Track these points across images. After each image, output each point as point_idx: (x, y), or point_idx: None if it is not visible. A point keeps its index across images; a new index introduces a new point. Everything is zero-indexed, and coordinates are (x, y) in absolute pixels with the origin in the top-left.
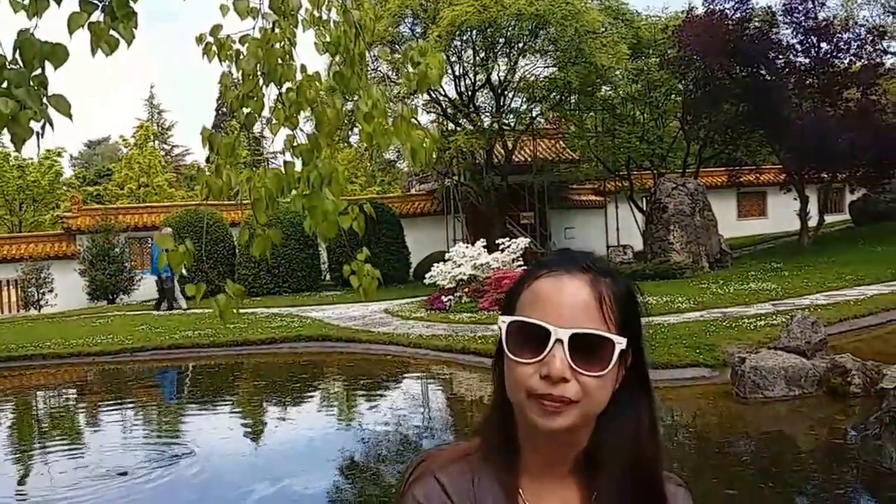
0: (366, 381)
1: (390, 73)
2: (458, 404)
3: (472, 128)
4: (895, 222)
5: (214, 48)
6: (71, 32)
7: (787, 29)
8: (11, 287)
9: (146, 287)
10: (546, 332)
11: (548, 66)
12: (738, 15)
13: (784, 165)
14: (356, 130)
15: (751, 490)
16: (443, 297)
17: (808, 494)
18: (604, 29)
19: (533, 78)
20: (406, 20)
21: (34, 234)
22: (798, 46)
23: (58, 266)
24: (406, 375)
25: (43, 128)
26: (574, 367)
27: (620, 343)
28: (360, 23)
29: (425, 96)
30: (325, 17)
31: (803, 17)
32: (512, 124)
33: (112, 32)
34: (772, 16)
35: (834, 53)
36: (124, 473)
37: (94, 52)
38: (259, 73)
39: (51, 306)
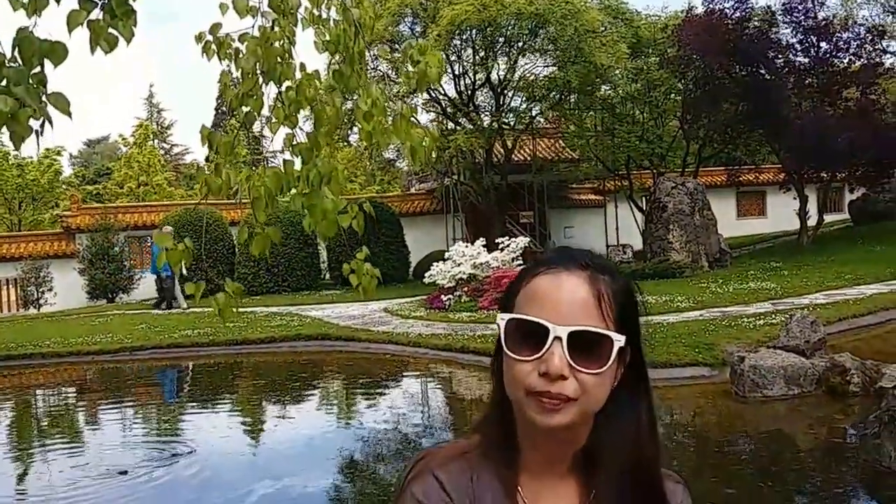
0: (365, 380)
1: (390, 71)
2: (457, 403)
3: (471, 127)
4: (894, 222)
5: (214, 47)
6: (70, 30)
7: (786, 28)
8: (11, 286)
9: (145, 286)
10: (545, 329)
11: (547, 66)
12: (737, 14)
13: (783, 165)
14: (356, 129)
15: (750, 489)
16: (442, 297)
17: (807, 493)
18: (603, 28)
19: (532, 77)
20: (406, 19)
21: (33, 233)
22: (797, 46)
23: (57, 265)
24: (405, 374)
25: (42, 126)
26: (573, 364)
27: (619, 340)
28: (360, 21)
29: (425, 95)
30: (324, 15)
31: (803, 17)
32: (511, 123)
33: (111, 30)
34: (771, 15)
35: (833, 53)
36: (124, 472)
37: (93, 50)
38: (258, 71)
39: (50, 305)
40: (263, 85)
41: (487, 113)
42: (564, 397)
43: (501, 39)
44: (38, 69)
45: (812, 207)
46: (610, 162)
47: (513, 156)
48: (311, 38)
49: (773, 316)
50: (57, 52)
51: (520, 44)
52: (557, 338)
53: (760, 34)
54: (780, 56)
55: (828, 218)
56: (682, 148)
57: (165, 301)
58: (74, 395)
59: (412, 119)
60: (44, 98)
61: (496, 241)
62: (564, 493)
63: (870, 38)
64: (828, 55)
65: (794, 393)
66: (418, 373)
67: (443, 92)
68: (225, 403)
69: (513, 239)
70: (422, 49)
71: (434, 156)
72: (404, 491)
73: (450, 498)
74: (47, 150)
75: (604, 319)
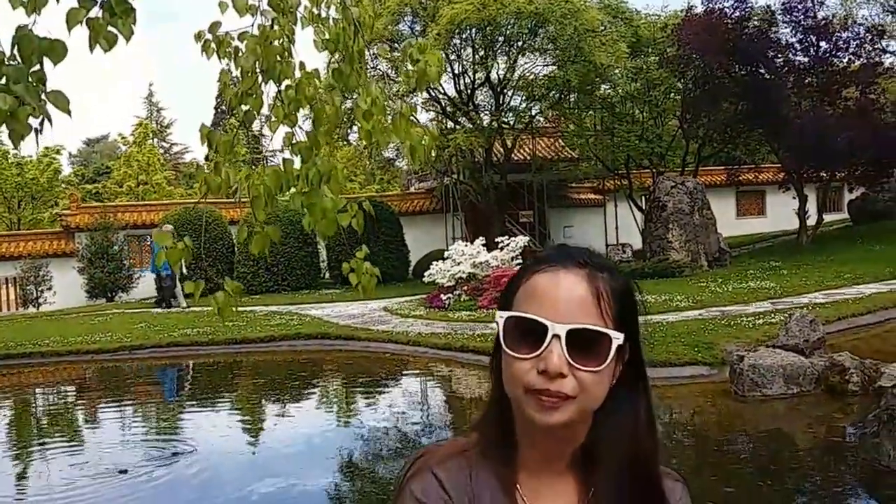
0: (365, 379)
1: (389, 70)
2: (456, 402)
3: (471, 126)
4: (894, 221)
5: (213, 45)
6: (69, 28)
7: (786, 28)
8: (10, 285)
9: (145, 285)
10: (543, 327)
11: (547, 65)
12: (737, 14)
13: (783, 164)
14: (355, 128)
15: (749, 488)
16: (442, 296)
17: (806, 492)
18: (603, 27)
19: (532, 76)
20: (405, 18)
21: (33, 232)
22: (797, 45)
23: (56, 264)
24: (405, 373)
25: (41, 124)
26: (571, 362)
27: (617, 338)
28: (360, 20)
29: (424, 94)
30: (324, 14)
31: (802, 16)
32: (511, 123)
33: (110, 28)
34: (771, 14)
35: (833, 52)
36: (125, 471)
37: (92, 48)
38: (258, 70)
39: (49, 304)
40: (263, 83)
41: (487, 112)
42: (563, 395)
43: (501, 38)
44: (37, 67)
45: (811, 207)
46: (609, 161)
47: (512, 155)
48: (311, 36)
49: (773, 315)
50: (56, 50)
51: (519, 43)
52: (556, 335)
53: (760, 33)
54: (779, 55)
55: (827, 217)
56: (681, 147)
57: (165, 300)
58: (74, 394)
59: (412, 118)
60: (43, 96)
61: (496, 240)
62: (563, 490)
63: (869, 37)
64: (827, 55)
65: (794, 392)
66: (418, 372)
67: (442, 91)
68: (224, 402)
69: (512, 238)
70: (421, 48)
71: (433, 155)
72: (403, 489)
73: (448, 496)
74: (46, 148)
75: (602, 317)
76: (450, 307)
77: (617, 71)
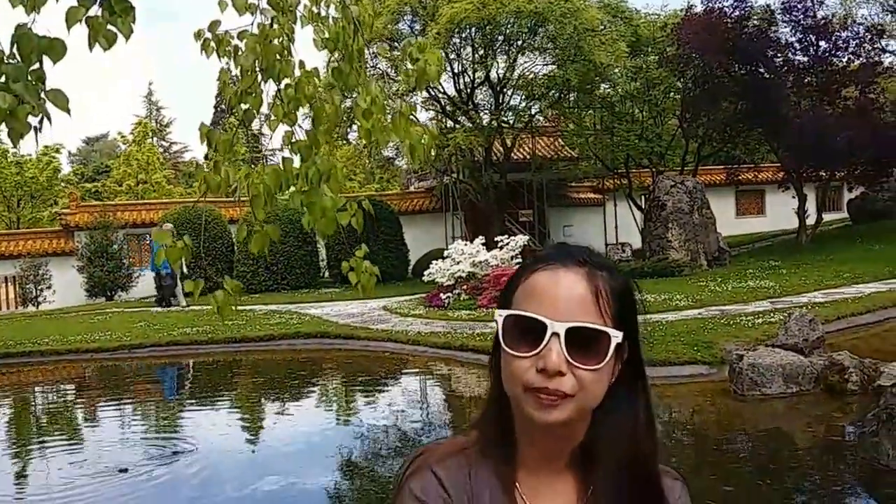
0: (364, 378)
1: (389, 69)
2: (456, 401)
3: (470, 125)
4: (893, 221)
5: (213, 44)
6: (69, 27)
7: (785, 27)
8: (10, 284)
9: (144, 284)
10: (542, 325)
11: (547, 64)
12: (736, 13)
13: (782, 164)
14: (355, 127)
15: (748, 487)
16: (441, 295)
17: (805, 491)
18: (603, 27)
19: (532, 75)
20: (405, 17)
21: (32, 231)
22: (797, 45)
23: (56, 263)
24: (404, 372)
25: (41, 123)
26: (570, 360)
27: (616, 337)
28: (359, 19)
29: (424, 93)
30: (323, 13)
31: (802, 16)
32: (511, 122)
33: (110, 27)
34: (770, 14)
35: (832, 52)
36: (125, 470)
37: (91, 46)
38: (257, 69)
39: (49, 303)
40: (262, 82)
41: (487, 111)
42: (562, 393)
43: (501, 38)
44: (36, 66)
45: (811, 206)
46: (609, 160)
47: (512, 154)
48: (311, 35)
49: (772, 314)
50: (55, 48)
51: (519, 42)
52: (555, 334)
53: (759, 33)
54: (779, 55)
55: (826, 217)
56: (681, 146)
57: (164, 299)
58: (73, 392)
59: (411, 117)
60: (42, 95)
61: (495, 239)
62: (562, 488)
63: (869, 37)
64: (827, 54)
65: (793, 391)
66: (417, 371)
67: (442, 90)
68: (224, 401)
69: (512, 237)
70: (421, 47)
71: (433, 154)
72: (402, 487)
73: (448, 494)
74: (46, 147)
75: (601, 316)
76: (449, 306)
77: (616, 70)
